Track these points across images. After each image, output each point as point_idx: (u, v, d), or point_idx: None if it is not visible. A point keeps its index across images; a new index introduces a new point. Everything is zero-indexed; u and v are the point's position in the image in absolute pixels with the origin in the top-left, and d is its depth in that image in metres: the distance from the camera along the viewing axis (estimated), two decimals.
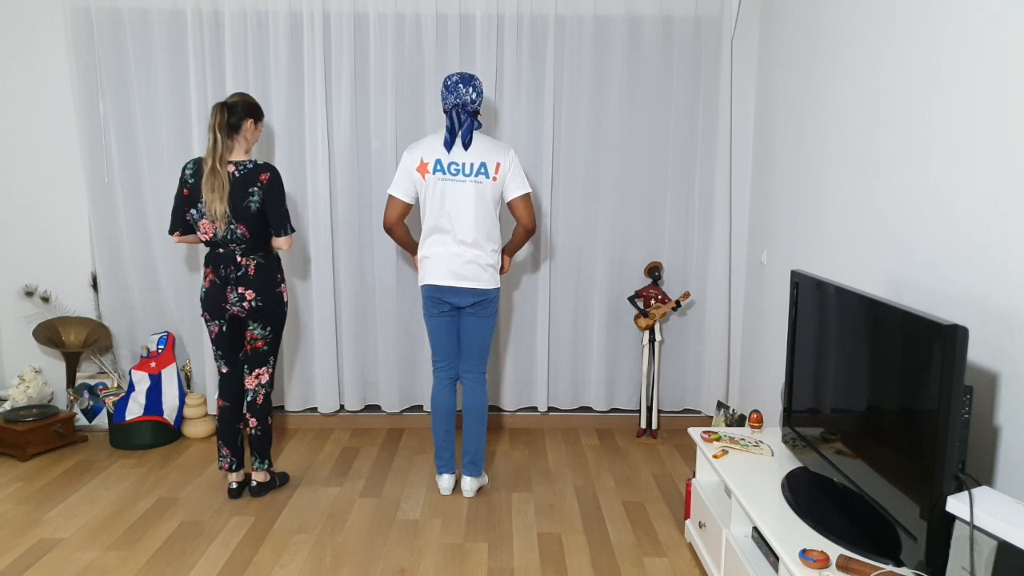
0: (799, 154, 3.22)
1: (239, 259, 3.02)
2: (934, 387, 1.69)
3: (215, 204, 2.92)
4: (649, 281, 3.99)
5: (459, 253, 3.04)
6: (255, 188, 2.97)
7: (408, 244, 3.22)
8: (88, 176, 3.83)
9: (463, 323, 3.16)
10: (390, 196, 3.10)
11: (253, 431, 3.18)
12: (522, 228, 3.13)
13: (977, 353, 2.00)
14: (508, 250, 3.26)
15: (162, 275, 3.96)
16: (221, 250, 3.03)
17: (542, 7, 3.76)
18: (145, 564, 2.68)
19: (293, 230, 3.08)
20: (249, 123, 3.00)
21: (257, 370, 3.15)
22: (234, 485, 3.21)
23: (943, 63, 2.16)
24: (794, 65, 3.30)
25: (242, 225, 2.97)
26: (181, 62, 3.78)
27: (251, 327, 3.10)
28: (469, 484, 3.23)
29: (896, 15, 2.42)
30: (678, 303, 3.85)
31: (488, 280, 3.08)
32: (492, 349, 4.05)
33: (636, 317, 3.93)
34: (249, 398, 3.18)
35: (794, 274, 2.52)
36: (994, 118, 1.93)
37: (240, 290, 3.02)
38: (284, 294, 3.14)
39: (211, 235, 3.00)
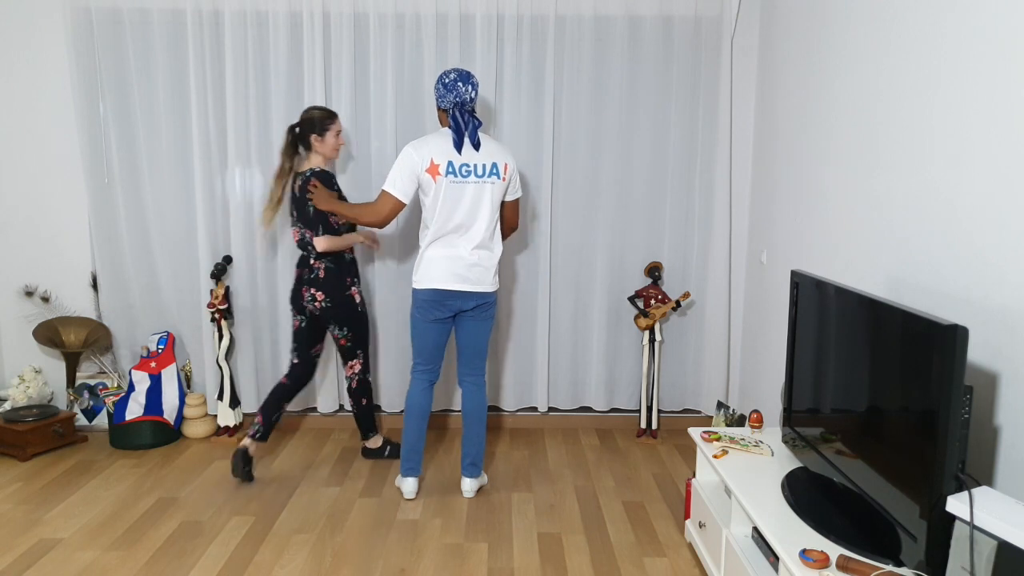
0: (799, 154, 3.22)
1: (312, 262, 3.29)
2: (934, 387, 1.69)
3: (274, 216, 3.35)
4: (649, 281, 3.99)
5: (464, 256, 3.02)
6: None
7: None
8: (88, 176, 3.83)
9: (463, 327, 3.15)
10: (386, 193, 2.96)
11: (353, 410, 3.53)
12: (508, 227, 3.21)
13: (977, 353, 2.00)
14: None
15: (162, 275, 3.95)
16: (303, 253, 3.31)
17: (542, 7, 3.76)
18: (145, 564, 2.68)
19: (328, 231, 3.24)
20: (313, 137, 3.25)
21: (349, 362, 3.46)
22: (243, 448, 3.31)
23: (943, 63, 2.16)
24: (794, 65, 3.30)
25: (309, 230, 3.26)
26: (181, 62, 3.78)
27: (331, 327, 3.37)
28: (469, 484, 3.23)
29: (896, 14, 2.42)
30: (678, 303, 3.85)
31: (491, 283, 3.08)
32: (492, 349, 4.05)
33: (636, 317, 3.93)
34: (346, 384, 3.51)
35: (794, 274, 2.52)
36: (994, 118, 1.93)
37: (312, 291, 3.29)
38: (355, 296, 3.36)
39: (296, 239, 3.30)
